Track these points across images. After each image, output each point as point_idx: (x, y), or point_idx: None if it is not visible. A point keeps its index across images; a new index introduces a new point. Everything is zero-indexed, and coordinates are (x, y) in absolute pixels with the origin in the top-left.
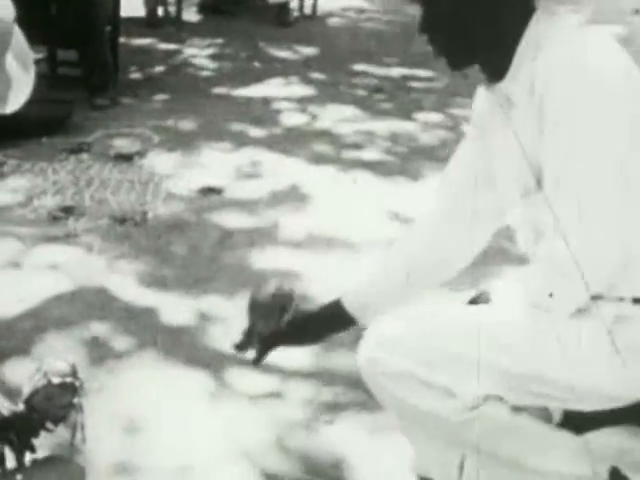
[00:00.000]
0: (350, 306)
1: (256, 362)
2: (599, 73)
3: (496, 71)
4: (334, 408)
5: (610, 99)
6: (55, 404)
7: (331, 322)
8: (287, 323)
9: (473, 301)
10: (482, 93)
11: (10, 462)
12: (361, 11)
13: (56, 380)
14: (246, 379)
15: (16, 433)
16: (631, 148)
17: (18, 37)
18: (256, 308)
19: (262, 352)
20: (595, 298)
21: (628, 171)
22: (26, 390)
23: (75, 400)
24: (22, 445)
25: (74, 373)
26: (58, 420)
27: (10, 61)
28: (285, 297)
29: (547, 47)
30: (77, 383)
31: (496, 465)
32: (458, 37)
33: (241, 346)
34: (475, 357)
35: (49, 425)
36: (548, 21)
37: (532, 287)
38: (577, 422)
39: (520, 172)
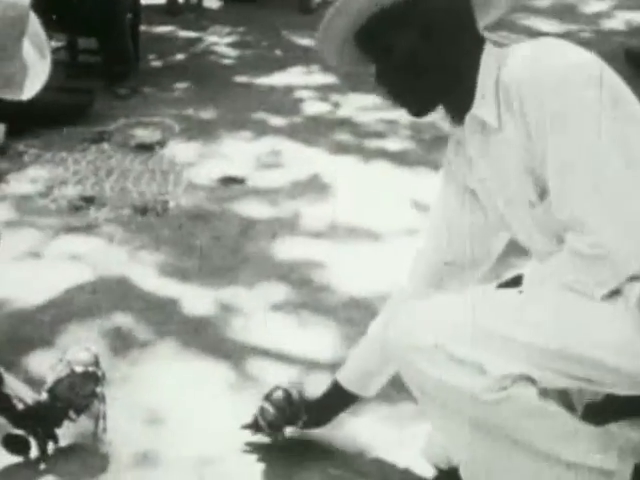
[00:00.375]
0: (349, 384)
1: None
2: (568, 63)
3: (461, 106)
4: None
5: (586, 83)
6: (78, 393)
7: (335, 404)
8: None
9: (506, 284)
10: (450, 138)
11: (33, 452)
12: None
13: (79, 369)
14: (267, 370)
15: (40, 422)
16: (623, 125)
17: (34, 23)
18: (266, 415)
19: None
20: (631, 279)
21: (629, 150)
22: (50, 379)
23: (98, 389)
24: (45, 434)
25: (96, 362)
26: (81, 409)
27: (27, 47)
28: (296, 406)
29: (506, 61)
30: (99, 373)
31: (517, 450)
32: (414, 88)
33: (250, 427)
34: (504, 334)
35: (72, 414)
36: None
37: (563, 274)
38: (597, 414)
39: (519, 187)
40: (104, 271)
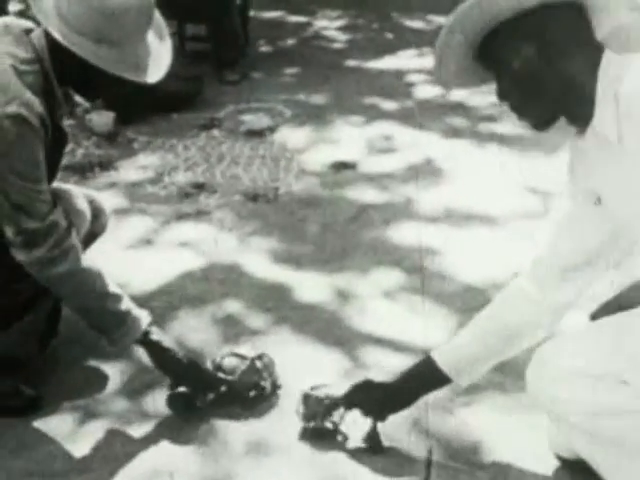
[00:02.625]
0: (445, 365)
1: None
2: None
3: (582, 117)
4: (471, 389)
5: None
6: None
7: (426, 383)
8: (382, 392)
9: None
10: (573, 148)
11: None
12: None
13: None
14: (379, 357)
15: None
16: None
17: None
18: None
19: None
20: None
21: None
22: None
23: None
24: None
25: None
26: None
27: (151, 34)
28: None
29: (628, 74)
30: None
31: None
32: (536, 101)
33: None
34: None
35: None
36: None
37: None
38: None
39: None
40: (215, 258)
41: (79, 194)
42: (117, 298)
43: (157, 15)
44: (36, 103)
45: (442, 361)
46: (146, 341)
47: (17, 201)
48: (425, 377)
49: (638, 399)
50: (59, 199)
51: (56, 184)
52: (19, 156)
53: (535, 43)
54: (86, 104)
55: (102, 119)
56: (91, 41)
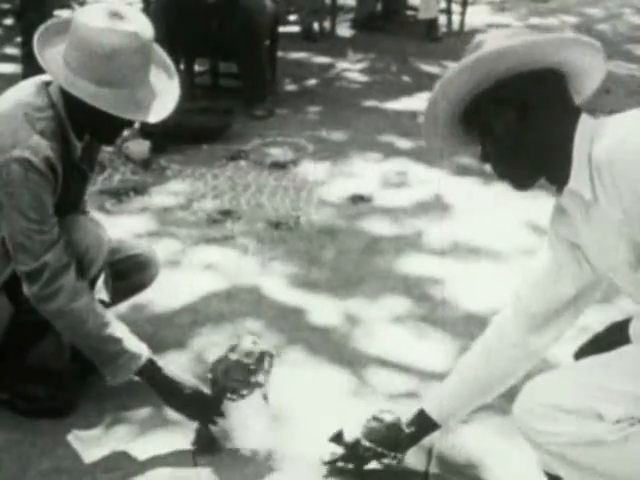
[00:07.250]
0: (436, 415)
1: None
2: None
3: (560, 178)
4: None
5: None
6: (231, 378)
7: (419, 432)
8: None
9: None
10: (555, 203)
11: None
12: (505, 28)
13: (233, 357)
14: (386, 379)
15: (201, 409)
16: None
17: (158, 51)
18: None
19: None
20: None
21: None
22: (211, 359)
23: (251, 379)
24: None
25: (259, 357)
26: (235, 393)
27: (155, 73)
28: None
29: (599, 138)
30: (252, 366)
31: None
32: (517, 163)
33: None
34: (616, 387)
35: (231, 396)
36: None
37: None
38: None
39: (619, 253)
40: (238, 280)
41: (99, 224)
42: (111, 339)
43: (164, 55)
44: (42, 147)
45: (430, 409)
46: (143, 378)
47: (18, 240)
48: (421, 427)
49: (612, 431)
50: (74, 229)
51: (91, 213)
52: (22, 197)
53: (515, 108)
54: (125, 132)
55: (138, 147)
56: (92, 84)
